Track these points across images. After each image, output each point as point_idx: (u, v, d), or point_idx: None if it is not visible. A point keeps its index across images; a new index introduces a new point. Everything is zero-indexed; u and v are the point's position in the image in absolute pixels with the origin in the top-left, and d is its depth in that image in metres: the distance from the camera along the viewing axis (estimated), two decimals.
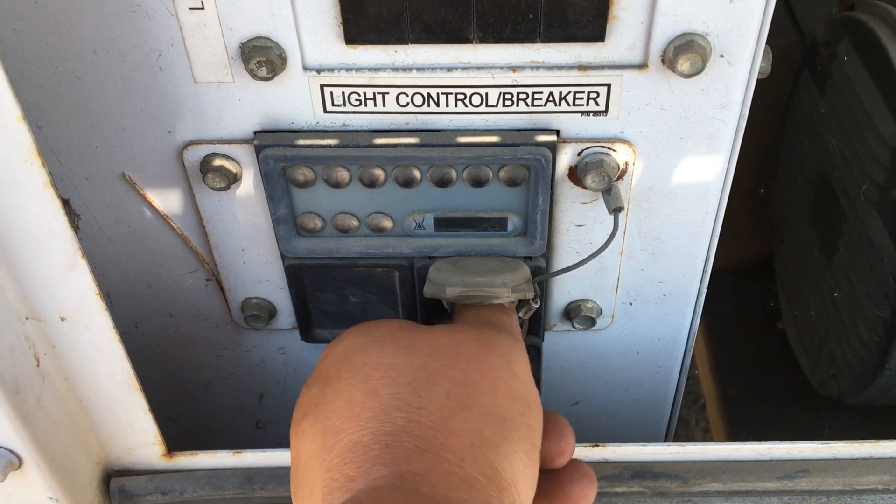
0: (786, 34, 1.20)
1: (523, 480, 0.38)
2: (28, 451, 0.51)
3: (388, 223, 0.58)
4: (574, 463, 0.48)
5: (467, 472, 0.36)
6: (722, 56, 0.50)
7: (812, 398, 1.19)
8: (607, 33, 0.49)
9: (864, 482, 0.57)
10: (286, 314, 0.66)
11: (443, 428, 0.37)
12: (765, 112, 1.26)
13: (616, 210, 0.55)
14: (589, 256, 0.54)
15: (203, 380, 0.72)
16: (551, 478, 0.47)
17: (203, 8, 0.49)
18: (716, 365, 1.41)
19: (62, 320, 0.50)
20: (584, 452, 0.58)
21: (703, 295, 0.64)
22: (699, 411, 1.73)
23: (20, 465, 0.52)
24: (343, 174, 0.55)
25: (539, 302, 0.59)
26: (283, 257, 0.60)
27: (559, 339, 0.68)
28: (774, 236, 1.30)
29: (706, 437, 1.72)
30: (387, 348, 0.43)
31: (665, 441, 0.77)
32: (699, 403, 1.75)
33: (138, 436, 0.58)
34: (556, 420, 0.48)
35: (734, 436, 1.30)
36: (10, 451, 0.51)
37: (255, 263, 0.62)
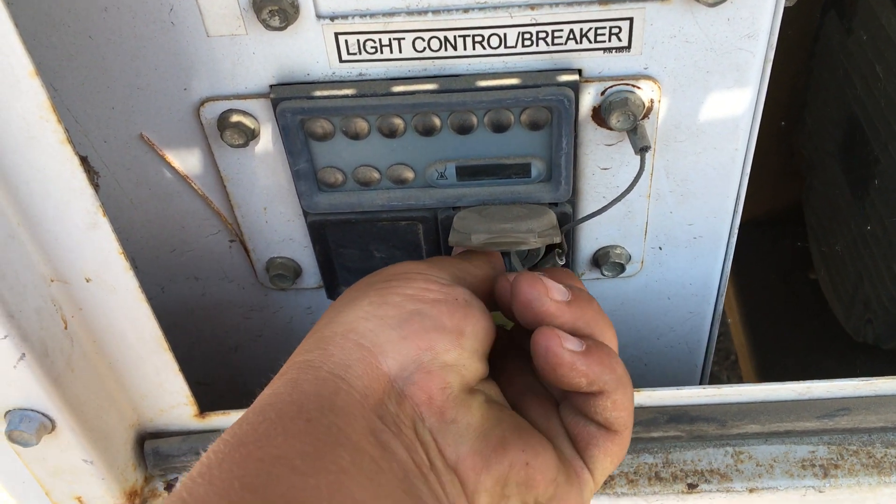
0: None
1: (365, 316, 0.44)
2: (61, 413, 0.51)
3: (409, 174, 0.57)
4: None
5: (305, 346, 0.44)
6: None
7: (846, 346, 1.17)
8: None
9: None
10: (312, 273, 0.65)
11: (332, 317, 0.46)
12: (790, 57, 1.23)
13: (643, 150, 0.53)
14: (615, 199, 0.53)
15: (232, 343, 0.72)
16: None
17: None
18: (746, 317, 1.40)
19: (87, 281, 0.50)
20: None
21: (735, 237, 0.63)
22: (730, 367, 1.72)
23: (53, 428, 0.52)
24: (362, 125, 0.54)
25: (564, 259, 0.58)
26: (306, 214, 0.60)
27: (589, 287, 0.66)
28: (803, 183, 1.28)
29: None
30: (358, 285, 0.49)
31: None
32: (730, 360, 1.73)
33: (170, 396, 0.58)
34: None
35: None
36: (43, 415, 0.51)
37: (278, 222, 0.62)
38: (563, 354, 0.43)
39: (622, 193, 0.52)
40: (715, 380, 1.73)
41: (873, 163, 1.02)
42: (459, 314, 0.44)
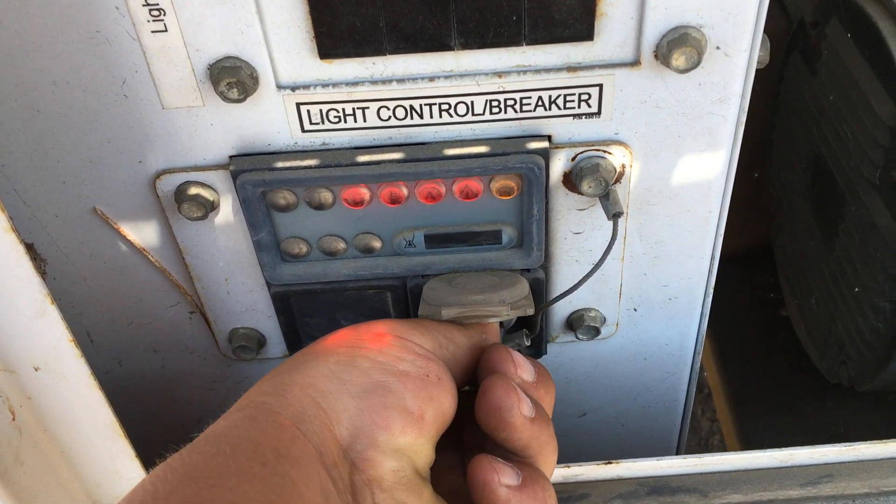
0: (772, 16, 1.17)
1: (332, 376, 0.42)
2: None
3: (376, 243, 0.55)
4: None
5: (245, 401, 0.42)
6: (718, 48, 0.47)
7: (822, 385, 1.17)
8: (596, 31, 0.47)
9: (890, 483, 0.54)
10: (276, 343, 0.63)
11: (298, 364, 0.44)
12: (755, 97, 1.24)
13: (615, 215, 0.52)
14: (590, 272, 0.51)
15: (195, 414, 0.69)
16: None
17: (167, 30, 0.46)
18: (720, 355, 1.39)
19: (36, 370, 0.47)
20: (597, 471, 0.55)
21: (710, 296, 0.62)
22: (705, 401, 1.71)
23: None
24: (326, 195, 0.52)
25: (529, 342, 0.57)
26: (269, 285, 0.57)
27: (563, 351, 0.65)
28: (772, 223, 1.28)
29: (713, 426, 1.70)
30: None
31: (678, 447, 0.74)
32: (704, 393, 1.73)
33: (126, 483, 0.55)
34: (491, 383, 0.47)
35: (742, 426, 1.28)
36: None
37: (240, 293, 0.59)
38: (500, 492, 0.42)
39: (596, 265, 0.51)
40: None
41: (841, 203, 1.02)
42: (425, 395, 0.43)
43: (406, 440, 0.41)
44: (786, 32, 1.14)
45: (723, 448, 1.59)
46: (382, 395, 0.42)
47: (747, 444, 1.24)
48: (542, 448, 0.44)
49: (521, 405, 0.44)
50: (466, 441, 0.48)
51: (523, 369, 0.47)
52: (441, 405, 0.43)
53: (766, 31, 1.20)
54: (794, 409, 1.24)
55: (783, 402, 1.26)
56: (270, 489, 0.35)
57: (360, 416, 0.41)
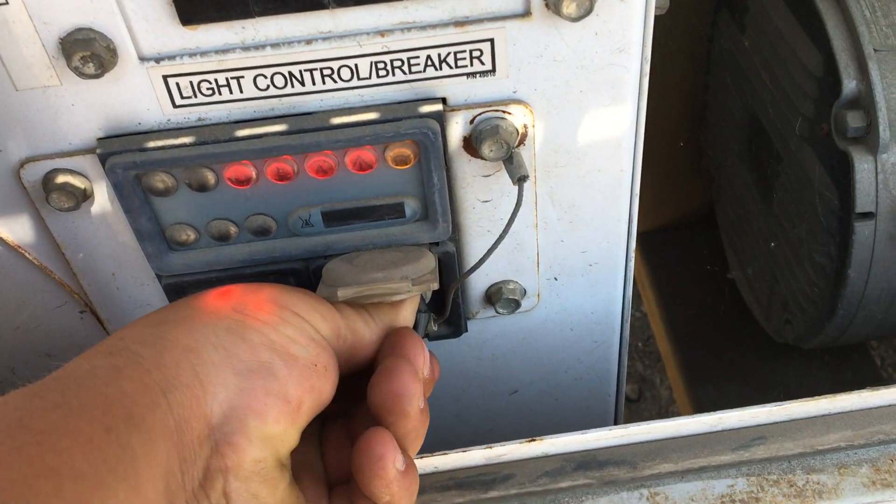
0: None
1: (217, 344, 0.40)
2: None
3: (271, 224, 0.51)
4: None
5: (117, 345, 0.39)
6: None
7: (770, 345, 1.16)
8: None
9: (825, 441, 0.52)
10: None
11: (130, 325, 0.42)
12: (686, 57, 1.22)
13: (520, 179, 0.49)
14: (495, 243, 0.48)
15: None
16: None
17: (7, 3, 0.41)
18: (670, 322, 1.38)
19: None
20: (520, 450, 0.52)
21: (632, 259, 0.59)
22: (663, 370, 1.71)
23: None
24: (208, 175, 0.48)
25: (437, 326, 0.54)
26: (160, 277, 0.53)
27: (485, 327, 0.62)
28: (712, 184, 1.27)
29: (672, 394, 1.69)
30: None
31: (615, 416, 0.72)
32: (661, 363, 1.72)
33: None
34: (392, 363, 0.45)
35: (695, 392, 1.27)
36: None
37: (131, 287, 0.55)
38: (391, 471, 0.40)
39: (500, 237, 0.48)
40: (648, 384, 1.72)
41: (776, 160, 1.00)
42: (308, 385, 0.40)
43: (277, 429, 0.39)
44: None
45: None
46: (265, 378, 0.39)
47: (700, 409, 1.23)
48: (418, 438, 0.42)
49: (420, 396, 0.41)
50: (328, 410, 0.45)
51: (430, 365, 0.44)
52: (320, 395, 0.41)
53: None
54: (746, 371, 1.23)
55: (734, 365, 1.25)
56: (104, 461, 0.32)
57: (239, 397, 0.38)
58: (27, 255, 0.53)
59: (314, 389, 0.40)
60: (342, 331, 0.45)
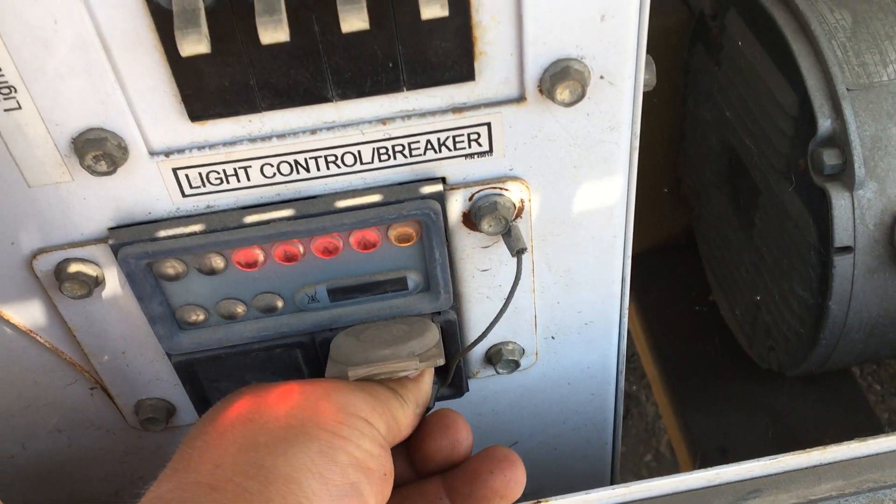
0: (673, 9, 1.18)
1: (315, 472, 0.41)
2: None
3: (278, 302, 0.53)
4: (488, 451, 0.50)
5: (218, 475, 0.40)
6: (602, 77, 0.46)
7: (755, 368, 1.18)
8: (477, 71, 0.45)
9: (817, 491, 0.54)
10: (187, 410, 0.60)
11: (208, 444, 0.42)
12: (665, 89, 1.24)
13: (519, 252, 0.51)
14: (497, 316, 0.50)
15: (111, 489, 0.66)
16: (467, 474, 0.49)
17: (20, 107, 0.43)
18: (655, 344, 1.40)
19: None
20: None
21: (626, 316, 0.61)
22: (648, 386, 1.73)
23: None
24: (217, 260, 0.50)
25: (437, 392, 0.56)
26: (170, 355, 0.55)
27: (485, 385, 0.64)
28: (692, 213, 1.29)
29: (657, 410, 1.72)
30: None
31: (612, 462, 0.74)
32: (647, 378, 1.75)
33: None
34: (444, 415, 0.51)
35: (683, 414, 1.29)
36: None
37: (141, 364, 0.56)
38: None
39: (502, 309, 0.50)
40: (635, 401, 1.74)
41: (755, 192, 1.03)
42: (381, 495, 0.43)
43: None
44: (688, 24, 1.14)
45: (668, 435, 1.60)
46: (355, 499, 0.42)
47: (688, 431, 1.25)
48: None
49: None
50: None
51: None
52: (385, 498, 0.43)
53: (670, 25, 1.20)
54: (731, 395, 1.26)
55: (720, 388, 1.27)
56: None
57: None
58: (39, 339, 0.54)
59: (383, 495, 0.43)
60: (391, 423, 0.47)
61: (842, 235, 0.87)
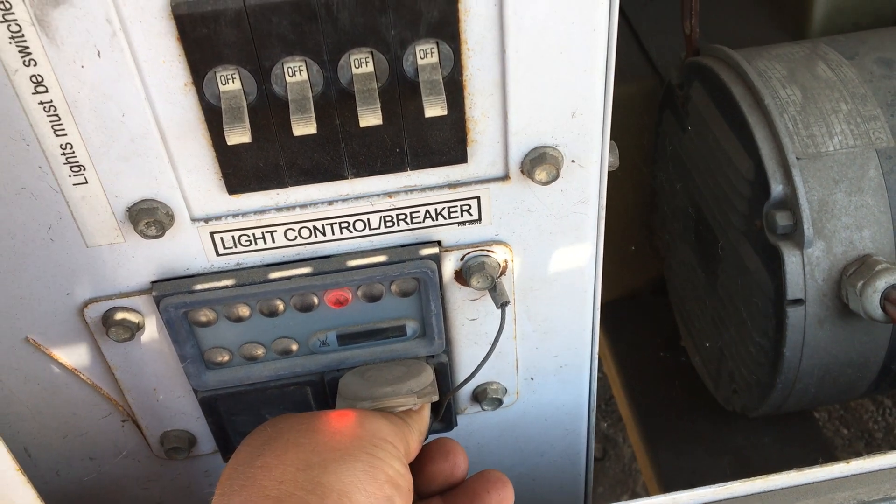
0: (644, 76, 1.28)
1: (361, 488, 0.48)
2: None
3: (293, 346, 0.61)
4: (483, 473, 0.58)
5: (283, 490, 0.47)
6: (573, 161, 0.55)
7: (722, 409, 1.27)
8: (469, 155, 0.54)
9: None
10: (206, 440, 0.68)
11: (268, 464, 0.49)
12: (639, 148, 1.34)
13: (503, 305, 0.59)
14: (483, 360, 0.58)
15: None
16: (466, 493, 0.57)
17: (87, 182, 0.51)
18: (629, 388, 1.48)
19: None
20: None
21: (596, 360, 0.69)
22: (625, 429, 1.80)
23: None
24: (244, 310, 0.58)
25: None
26: (196, 391, 0.62)
27: (472, 420, 0.72)
28: (663, 263, 1.39)
29: (633, 451, 1.79)
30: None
31: (586, 491, 0.82)
32: (624, 422, 1.82)
33: None
34: (444, 443, 0.58)
35: (656, 456, 1.36)
36: None
37: (169, 399, 0.64)
38: None
39: (487, 355, 0.58)
40: (612, 443, 1.81)
41: (718, 249, 1.12)
42: None
43: None
44: (657, 90, 1.25)
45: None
46: None
47: (659, 470, 1.33)
48: None
49: None
50: None
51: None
52: None
53: (641, 90, 1.29)
54: (699, 435, 1.33)
55: (689, 429, 1.35)
56: None
57: None
58: (81, 377, 0.61)
59: None
60: (407, 446, 0.55)
61: (794, 289, 0.95)
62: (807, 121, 0.98)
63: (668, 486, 1.26)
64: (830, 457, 1.31)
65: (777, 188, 0.95)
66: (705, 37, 1.11)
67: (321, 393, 0.64)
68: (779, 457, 1.27)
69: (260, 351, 0.61)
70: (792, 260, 0.94)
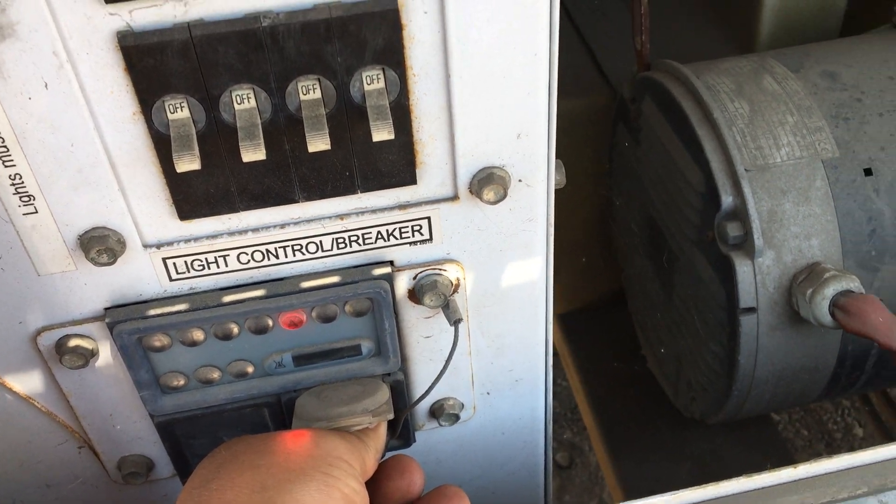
0: (600, 91, 1.31)
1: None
2: None
3: (249, 368, 0.61)
4: (440, 489, 0.59)
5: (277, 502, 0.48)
6: (520, 181, 0.57)
7: (682, 417, 1.29)
8: (418, 177, 0.55)
9: None
10: (164, 464, 0.68)
11: (223, 487, 0.50)
12: (596, 160, 1.37)
13: (456, 322, 0.60)
14: (436, 379, 0.59)
15: None
16: None
17: (37, 212, 0.51)
18: (592, 396, 1.49)
19: None
20: None
21: (550, 373, 0.71)
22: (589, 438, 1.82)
23: None
24: (198, 334, 0.58)
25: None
26: (152, 416, 0.62)
27: (430, 436, 0.72)
28: (622, 273, 1.41)
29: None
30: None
31: (545, 500, 0.83)
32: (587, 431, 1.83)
33: None
34: (400, 460, 0.59)
35: (619, 464, 1.38)
36: None
37: (126, 424, 0.64)
38: None
39: (441, 373, 0.59)
40: (578, 451, 1.83)
41: (673, 258, 1.14)
42: None
43: None
44: (612, 104, 1.27)
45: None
46: None
47: (622, 479, 1.35)
48: None
49: None
50: None
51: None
52: None
53: (596, 103, 1.32)
54: (661, 443, 1.35)
55: (650, 437, 1.37)
56: None
57: None
58: (36, 405, 0.61)
59: None
60: (363, 464, 0.56)
61: (746, 298, 0.98)
62: (754, 133, 1.00)
63: (630, 494, 1.28)
64: (789, 460, 1.34)
65: (727, 200, 0.97)
66: (658, 51, 1.13)
67: (278, 414, 0.64)
68: (738, 462, 1.29)
69: (216, 374, 0.61)
70: (743, 269, 0.96)
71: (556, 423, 1.74)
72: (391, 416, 0.59)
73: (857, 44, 1.09)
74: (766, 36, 1.28)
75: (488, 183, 0.55)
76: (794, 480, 0.66)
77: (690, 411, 1.21)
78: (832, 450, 1.75)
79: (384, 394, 0.61)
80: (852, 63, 1.04)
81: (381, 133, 0.49)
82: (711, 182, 0.98)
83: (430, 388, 0.59)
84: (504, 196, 0.56)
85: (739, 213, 0.97)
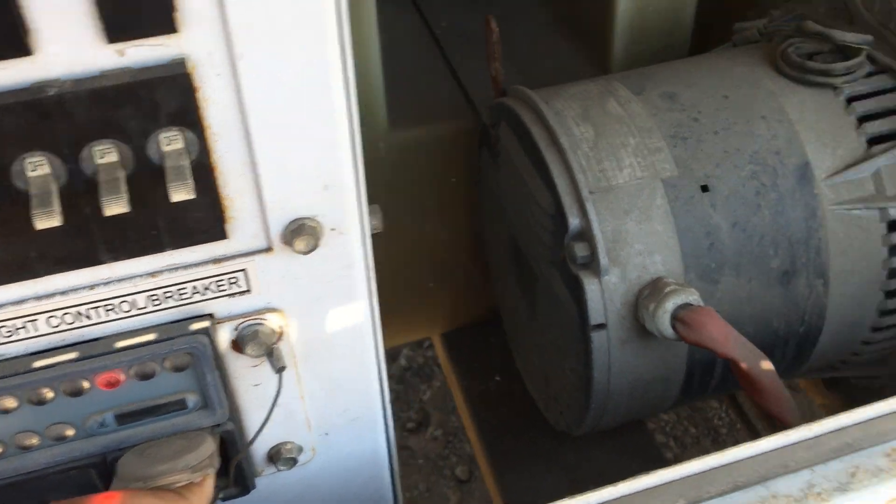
0: (466, 114, 1.34)
1: None
2: None
3: (69, 431, 0.60)
4: None
5: None
6: (333, 229, 0.58)
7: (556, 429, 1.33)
8: (229, 232, 0.56)
9: None
10: None
11: None
12: (467, 181, 1.40)
13: (280, 370, 0.61)
14: (258, 431, 0.60)
15: None
16: None
17: None
18: (474, 412, 1.52)
19: None
20: None
21: (389, 408, 0.72)
22: (471, 461, 1.84)
23: None
24: (10, 401, 0.57)
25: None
26: None
27: (272, 481, 0.73)
28: (495, 293, 1.44)
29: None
30: None
31: None
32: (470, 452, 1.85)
33: None
34: None
35: (500, 474, 1.41)
36: None
37: None
38: None
39: (262, 425, 0.60)
40: (475, 464, 1.85)
41: (534, 278, 1.18)
42: None
43: None
44: (476, 128, 1.30)
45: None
46: None
47: (504, 491, 1.38)
48: None
49: None
50: None
51: None
52: None
53: (463, 128, 1.34)
54: (539, 455, 1.39)
55: (529, 450, 1.40)
56: None
57: None
58: None
59: None
60: None
61: (595, 315, 1.01)
62: (599, 156, 1.04)
63: None
64: (662, 462, 1.40)
65: (574, 221, 1.01)
66: (522, 72, 1.16)
67: (105, 473, 0.63)
68: (611, 469, 1.34)
69: (34, 439, 0.60)
70: (591, 288, 1.00)
71: (455, 438, 1.76)
72: (213, 470, 0.59)
73: (698, 64, 1.14)
74: (619, 51, 1.33)
75: (300, 234, 0.56)
76: (655, 486, 0.69)
77: (560, 424, 1.25)
78: (718, 445, 1.83)
79: (208, 447, 0.61)
80: (692, 83, 1.09)
81: (180, 193, 0.50)
82: (559, 204, 1.02)
83: (252, 440, 0.60)
84: (316, 245, 0.57)
85: (585, 234, 1.00)
